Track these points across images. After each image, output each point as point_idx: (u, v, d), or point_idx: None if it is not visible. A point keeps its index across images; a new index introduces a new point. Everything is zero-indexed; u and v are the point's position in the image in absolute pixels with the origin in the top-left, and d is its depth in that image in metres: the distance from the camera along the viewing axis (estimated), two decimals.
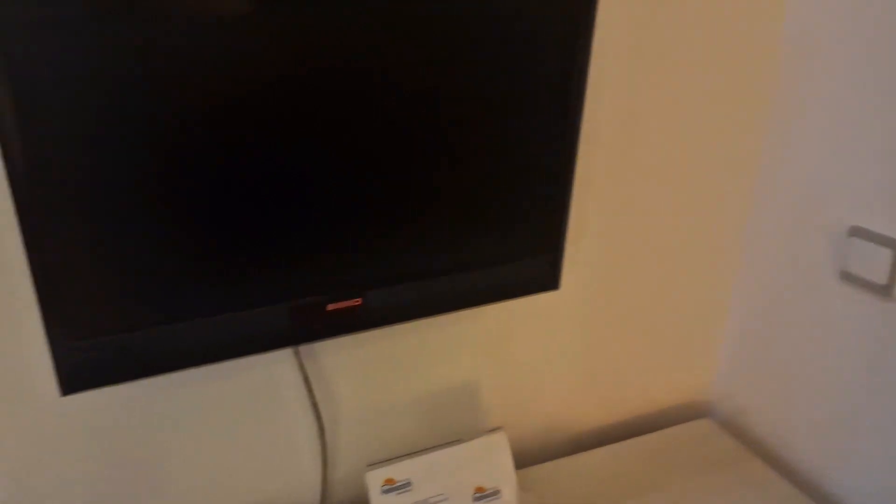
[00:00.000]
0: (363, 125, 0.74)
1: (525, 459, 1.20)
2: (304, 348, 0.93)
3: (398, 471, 0.88)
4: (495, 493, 0.92)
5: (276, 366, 0.92)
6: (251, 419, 0.94)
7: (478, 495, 0.91)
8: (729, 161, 1.09)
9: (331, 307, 0.81)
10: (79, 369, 0.73)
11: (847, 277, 0.97)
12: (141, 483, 0.91)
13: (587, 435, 1.24)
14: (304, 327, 0.81)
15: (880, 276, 0.92)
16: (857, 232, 0.95)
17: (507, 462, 0.93)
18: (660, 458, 1.14)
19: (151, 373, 0.77)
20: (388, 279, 0.83)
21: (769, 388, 1.17)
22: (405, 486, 0.88)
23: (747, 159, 1.11)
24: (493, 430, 0.93)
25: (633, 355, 1.19)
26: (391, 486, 0.88)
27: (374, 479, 0.87)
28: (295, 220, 0.75)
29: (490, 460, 0.92)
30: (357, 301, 0.82)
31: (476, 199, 0.83)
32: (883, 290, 0.92)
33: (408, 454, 0.90)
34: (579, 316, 1.10)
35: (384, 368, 1.00)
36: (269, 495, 1.00)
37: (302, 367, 0.92)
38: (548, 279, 0.94)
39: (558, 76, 0.82)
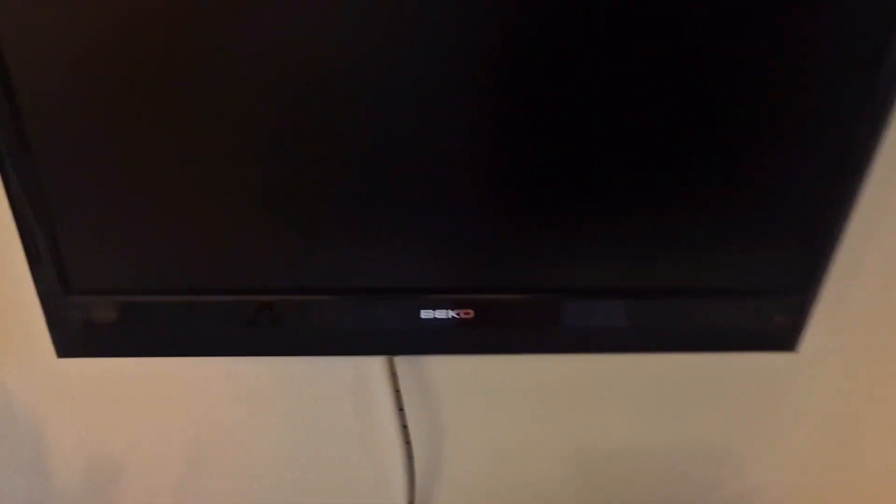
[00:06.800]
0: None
1: None
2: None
3: None
4: None
5: (365, 363, 0.69)
6: (335, 420, 0.72)
7: None
8: None
9: (428, 315, 0.54)
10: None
11: None
12: (205, 460, 0.74)
13: None
14: (386, 336, 0.56)
15: None
16: None
17: None
18: None
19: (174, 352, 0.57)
20: (518, 289, 0.54)
21: None
22: None
23: None
24: None
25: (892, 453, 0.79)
26: None
27: None
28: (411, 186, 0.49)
29: None
30: (468, 313, 0.54)
31: (700, 191, 0.50)
32: None
33: None
34: (827, 383, 0.73)
35: (514, 397, 0.72)
36: None
37: (393, 376, 0.67)
38: (781, 335, 0.59)
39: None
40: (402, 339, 0.56)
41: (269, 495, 0.77)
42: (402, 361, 0.68)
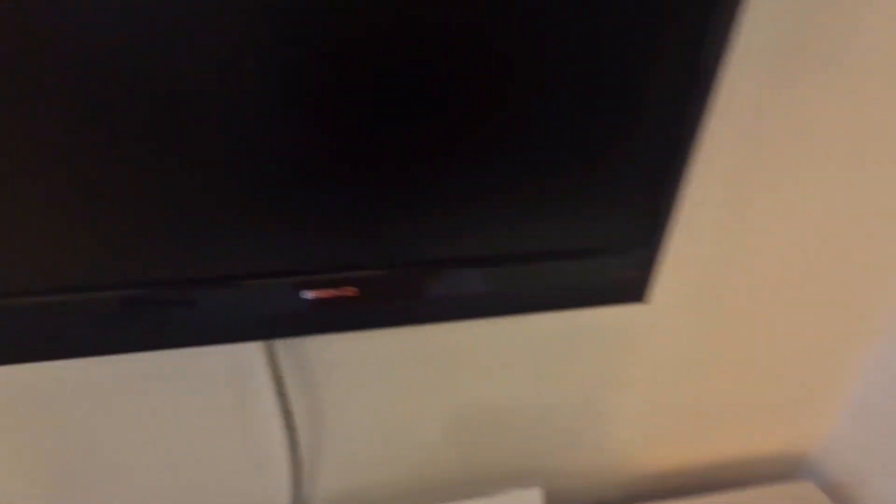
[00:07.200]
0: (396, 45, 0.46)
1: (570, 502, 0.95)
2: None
3: None
4: None
5: (242, 351, 0.68)
6: (213, 414, 0.70)
7: None
8: None
9: (310, 295, 0.55)
10: None
11: None
12: (77, 472, 0.69)
13: (649, 480, 0.97)
14: (267, 319, 0.55)
15: None
16: None
17: None
18: None
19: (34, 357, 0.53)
20: (398, 263, 0.56)
21: None
22: None
23: None
24: (526, 487, 0.68)
25: (730, 388, 0.90)
26: None
27: None
28: (264, 167, 0.48)
29: None
30: (351, 291, 0.56)
31: (552, 159, 0.55)
32: None
33: None
34: (669, 334, 0.82)
35: (391, 370, 0.74)
36: None
37: (273, 362, 0.67)
38: (634, 288, 0.65)
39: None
40: (284, 321, 0.56)
41: (152, 500, 0.74)
42: (280, 345, 0.67)
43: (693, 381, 0.87)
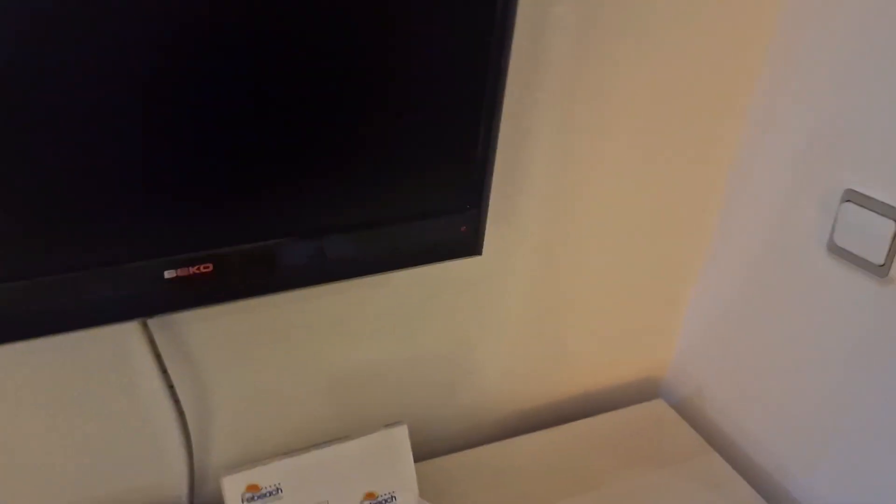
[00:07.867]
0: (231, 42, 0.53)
1: (447, 445, 1.04)
2: (158, 317, 0.74)
3: (265, 475, 0.71)
4: (390, 499, 0.75)
5: (122, 336, 0.73)
6: (102, 397, 0.75)
7: (367, 503, 0.74)
8: (705, 115, 0.90)
9: (169, 275, 0.61)
10: None
11: (836, 251, 0.80)
12: None
13: (521, 416, 1.08)
14: (133, 300, 0.61)
15: (876, 251, 0.75)
16: (851, 197, 0.77)
17: (407, 462, 0.76)
18: (601, 447, 0.99)
19: None
20: (249, 238, 0.63)
21: (735, 373, 1.01)
22: (274, 493, 0.71)
23: (727, 113, 0.91)
24: (392, 424, 0.76)
25: (582, 326, 1.02)
26: (255, 494, 0.70)
27: (234, 486, 0.70)
28: (119, 150, 0.54)
29: (385, 461, 0.75)
30: (206, 267, 0.62)
31: (373, 136, 0.63)
32: (879, 270, 0.75)
33: (282, 454, 0.72)
34: (520, 283, 0.92)
35: (267, 342, 0.81)
36: (134, 485, 0.83)
37: (152, 342, 0.73)
38: (468, 243, 0.75)
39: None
40: (151, 301, 0.62)
41: (48, 486, 0.78)
42: (158, 327, 0.73)
43: (549, 320, 0.98)
